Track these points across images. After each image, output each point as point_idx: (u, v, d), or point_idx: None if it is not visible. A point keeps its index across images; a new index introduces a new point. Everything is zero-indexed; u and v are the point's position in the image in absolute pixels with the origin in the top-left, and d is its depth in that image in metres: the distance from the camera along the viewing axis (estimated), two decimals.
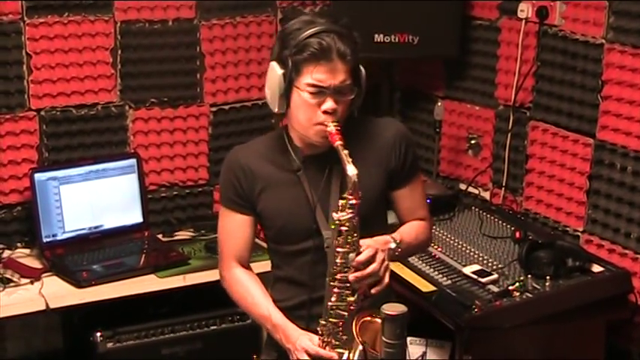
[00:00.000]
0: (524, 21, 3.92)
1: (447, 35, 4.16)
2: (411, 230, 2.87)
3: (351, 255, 2.61)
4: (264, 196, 2.79)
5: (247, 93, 4.32)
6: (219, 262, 2.93)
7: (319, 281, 2.73)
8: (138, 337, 3.70)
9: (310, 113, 2.66)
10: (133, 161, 4.02)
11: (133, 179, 4.01)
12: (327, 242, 2.72)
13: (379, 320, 2.54)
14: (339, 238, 2.61)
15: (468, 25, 4.22)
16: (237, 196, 2.81)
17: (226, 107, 4.28)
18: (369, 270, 2.62)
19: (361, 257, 2.61)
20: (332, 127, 2.63)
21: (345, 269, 2.62)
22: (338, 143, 2.61)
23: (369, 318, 2.65)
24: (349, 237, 2.61)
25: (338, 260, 2.62)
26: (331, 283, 2.65)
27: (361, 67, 2.72)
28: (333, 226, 2.62)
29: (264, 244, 2.96)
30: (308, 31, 2.63)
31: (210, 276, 3.60)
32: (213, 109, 4.25)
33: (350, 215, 2.60)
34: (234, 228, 2.85)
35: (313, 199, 2.74)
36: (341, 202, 2.61)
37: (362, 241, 2.63)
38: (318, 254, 2.75)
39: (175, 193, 4.25)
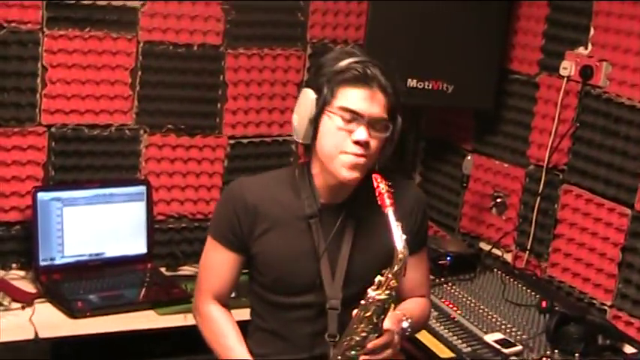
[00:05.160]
0: (565, 79, 3.74)
1: (482, 87, 3.99)
2: (415, 308, 2.68)
3: (371, 336, 2.40)
4: (265, 240, 2.56)
5: (268, 128, 4.13)
6: (195, 293, 2.73)
7: (309, 340, 2.55)
8: None
9: (339, 139, 2.44)
10: (142, 188, 3.83)
11: (140, 207, 3.82)
12: (330, 303, 2.52)
13: None
14: (365, 315, 2.39)
15: (504, 79, 4.05)
16: (232, 233, 2.59)
17: (245, 141, 4.09)
18: (383, 355, 2.43)
19: (380, 341, 2.41)
20: (383, 187, 2.40)
21: (358, 347, 2.42)
22: (390, 209, 2.36)
23: None
24: (375, 317, 2.39)
25: (356, 337, 2.41)
26: (338, 357, 2.45)
27: (399, 116, 2.52)
28: (363, 302, 2.39)
29: None
30: (350, 59, 2.45)
31: None
32: (231, 141, 4.06)
33: (386, 297, 2.37)
34: (220, 264, 2.64)
35: (323, 252, 2.52)
36: (380, 278, 2.37)
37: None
38: (314, 311, 2.55)
39: (183, 225, 4.05)
